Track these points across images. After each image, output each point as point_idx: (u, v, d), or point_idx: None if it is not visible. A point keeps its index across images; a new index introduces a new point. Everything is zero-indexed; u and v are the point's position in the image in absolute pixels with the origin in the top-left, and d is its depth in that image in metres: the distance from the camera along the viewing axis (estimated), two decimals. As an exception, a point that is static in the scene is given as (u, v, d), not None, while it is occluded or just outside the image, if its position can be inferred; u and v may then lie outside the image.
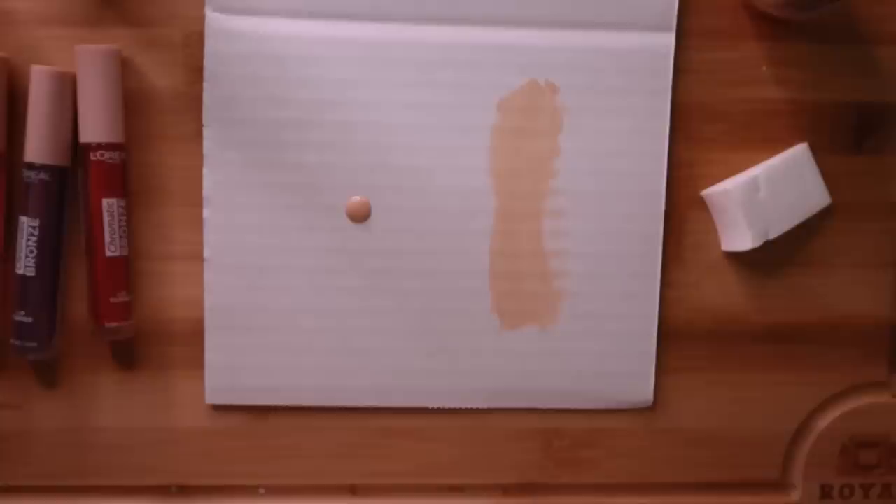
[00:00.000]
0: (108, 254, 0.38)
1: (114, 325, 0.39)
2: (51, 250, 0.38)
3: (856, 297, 0.42)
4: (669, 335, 0.41)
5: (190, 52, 0.39)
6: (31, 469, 0.41)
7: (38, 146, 0.37)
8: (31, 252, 0.38)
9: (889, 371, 0.43)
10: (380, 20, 0.39)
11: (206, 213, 0.39)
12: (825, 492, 0.43)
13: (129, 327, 0.39)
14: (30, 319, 0.38)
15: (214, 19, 0.38)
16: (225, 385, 0.40)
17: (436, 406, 0.41)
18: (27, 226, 0.37)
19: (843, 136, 0.41)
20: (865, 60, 0.41)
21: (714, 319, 0.41)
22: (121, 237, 0.38)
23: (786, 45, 0.40)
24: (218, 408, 0.41)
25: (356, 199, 0.39)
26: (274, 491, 0.42)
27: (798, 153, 0.40)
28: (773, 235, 0.39)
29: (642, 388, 0.41)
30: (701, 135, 0.41)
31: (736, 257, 0.41)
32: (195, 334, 0.40)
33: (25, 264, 0.38)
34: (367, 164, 0.39)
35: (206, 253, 0.39)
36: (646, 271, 0.41)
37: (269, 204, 0.39)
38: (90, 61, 0.37)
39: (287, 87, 0.39)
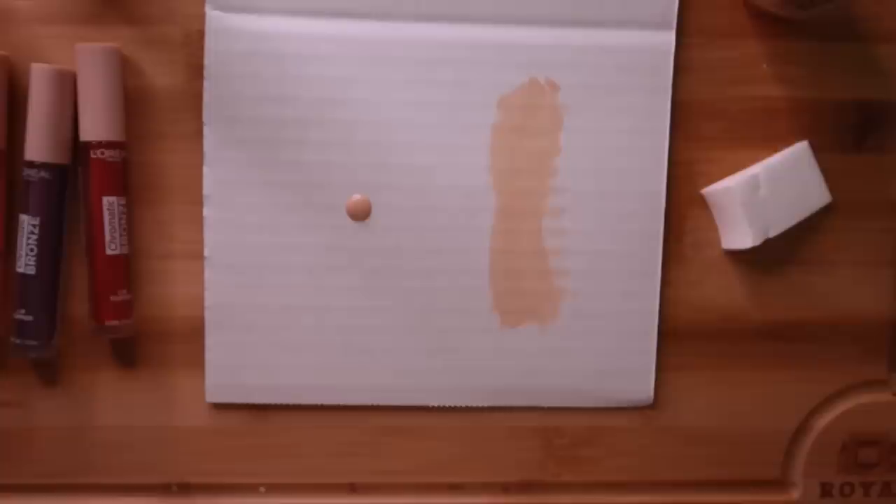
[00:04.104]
0: (109, 252, 0.38)
1: (114, 323, 0.39)
2: (51, 249, 0.38)
3: (856, 295, 0.42)
4: (669, 333, 0.41)
5: (190, 51, 0.39)
6: (32, 467, 0.41)
7: (38, 144, 0.37)
8: (32, 250, 0.38)
9: (889, 369, 0.43)
10: (380, 18, 0.39)
11: (206, 211, 0.39)
12: (825, 490, 0.43)
13: (129, 326, 0.39)
14: (30, 318, 0.38)
15: (215, 17, 0.38)
16: (225, 383, 0.40)
17: (436, 404, 0.41)
18: (27, 224, 0.37)
19: (843, 135, 0.41)
20: (866, 58, 0.41)
21: (714, 318, 0.41)
22: (121, 235, 0.38)
23: (786, 43, 0.40)
24: (218, 406, 0.41)
25: (357, 197, 0.39)
26: (274, 489, 0.42)
27: (798, 151, 0.40)
28: (773, 234, 0.39)
29: (643, 387, 0.41)
30: (701, 133, 0.41)
31: (736, 255, 0.41)
32: (195, 332, 0.40)
33: (26, 262, 0.38)
34: (368, 162, 0.39)
35: (207, 251, 0.39)
36: (646, 270, 0.41)
37: (270, 202, 0.39)
38: (90, 59, 0.37)
39: (287, 86, 0.39)
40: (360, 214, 0.40)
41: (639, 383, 0.41)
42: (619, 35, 0.39)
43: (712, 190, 0.40)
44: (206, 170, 0.39)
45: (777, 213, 0.39)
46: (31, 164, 0.37)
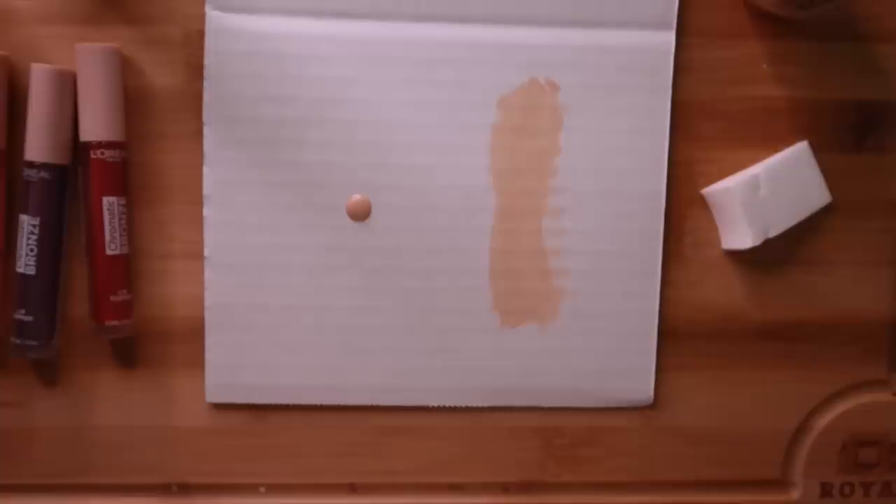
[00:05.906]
0: (109, 252, 0.38)
1: (114, 323, 0.39)
2: (51, 249, 0.38)
3: (856, 295, 0.42)
4: (669, 333, 0.41)
5: (190, 51, 0.39)
6: (32, 467, 0.41)
7: (38, 144, 0.37)
8: (32, 250, 0.38)
9: (889, 369, 0.43)
10: (380, 18, 0.39)
11: (206, 211, 0.39)
12: (825, 490, 0.43)
13: (129, 326, 0.39)
14: (30, 318, 0.38)
15: (215, 17, 0.38)
16: (225, 383, 0.40)
17: (436, 404, 0.41)
18: (27, 224, 0.37)
19: (843, 135, 0.41)
20: (866, 58, 0.41)
21: (714, 318, 0.41)
22: (121, 235, 0.38)
23: (786, 43, 0.40)
24: (218, 406, 0.41)
25: (356, 197, 0.39)
26: (274, 489, 0.42)
27: (798, 151, 0.40)
28: (773, 234, 0.39)
29: (643, 387, 0.41)
30: (701, 133, 0.41)
31: (736, 255, 0.41)
32: (195, 332, 0.40)
33: (26, 263, 0.38)
34: (368, 162, 0.39)
35: (207, 251, 0.39)
36: (646, 270, 0.41)
37: (270, 202, 0.39)
38: (90, 59, 0.37)
39: (287, 86, 0.39)
40: (360, 214, 0.40)
41: (639, 383, 0.41)
42: (619, 35, 0.39)
43: (712, 190, 0.40)
44: (206, 170, 0.39)
45: (777, 213, 0.39)
46: (31, 164, 0.37)
